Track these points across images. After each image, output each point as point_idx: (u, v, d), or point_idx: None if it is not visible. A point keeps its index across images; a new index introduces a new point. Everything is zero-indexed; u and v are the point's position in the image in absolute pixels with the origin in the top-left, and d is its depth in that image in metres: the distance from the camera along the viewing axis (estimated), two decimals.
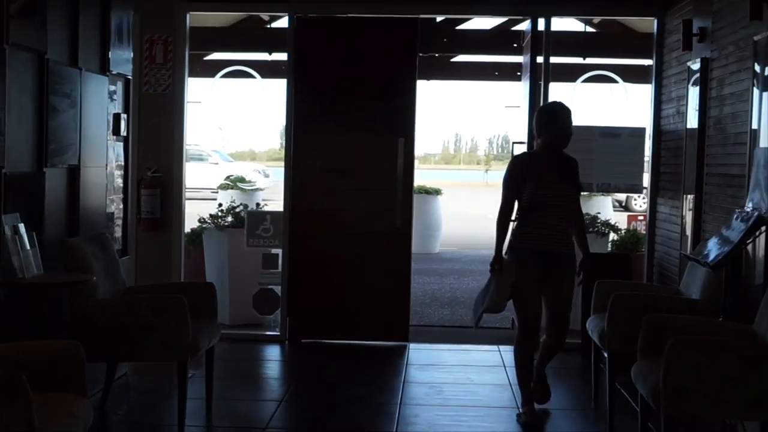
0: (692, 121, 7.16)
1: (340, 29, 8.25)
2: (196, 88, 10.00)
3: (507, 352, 7.95)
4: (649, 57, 8.39)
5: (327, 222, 8.23)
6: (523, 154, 6.19)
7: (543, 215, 5.83)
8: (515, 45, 10.43)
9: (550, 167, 5.88)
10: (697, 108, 7.00)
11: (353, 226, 8.22)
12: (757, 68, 5.86)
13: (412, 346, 8.12)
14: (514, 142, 8.99)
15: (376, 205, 8.20)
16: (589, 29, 11.36)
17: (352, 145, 8.22)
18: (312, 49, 8.24)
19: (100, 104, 6.71)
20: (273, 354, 7.98)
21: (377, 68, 8.21)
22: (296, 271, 8.26)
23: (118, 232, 7.18)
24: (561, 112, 5.92)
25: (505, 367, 7.46)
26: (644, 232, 8.62)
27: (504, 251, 5.95)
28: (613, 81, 9.71)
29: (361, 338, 8.22)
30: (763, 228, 5.46)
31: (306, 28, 8.25)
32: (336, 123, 8.24)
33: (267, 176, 26.05)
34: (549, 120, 5.90)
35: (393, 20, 8.24)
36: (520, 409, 6.01)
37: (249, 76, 9.94)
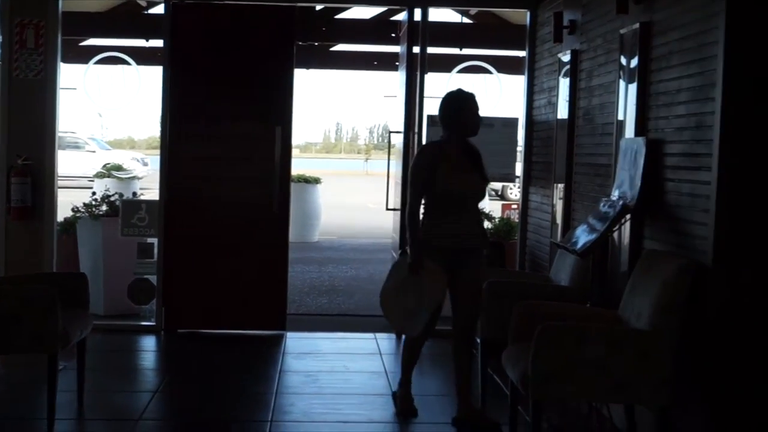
0: (563, 112, 7.30)
1: (216, 16, 8.15)
2: (71, 74, 9.76)
3: (383, 339, 8.01)
4: (523, 48, 8.53)
5: (203, 211, 8.14)
6: (432, 143, 5.81)
7: (456, 208, 5.59)
8: (393, 35, 10.48)
9: (461, 157, 5.64)
10: (567, 99, 7.15)
11: (230, 215, 8.14)
12: (623, 61, 6.01)
13: (289, 335, 8.10)
14: (390, 132, 9.04)
15: (253, 194, 8.14)
16: (466, 20, 11.50)
17: (228, 133, 8.14)
18: (188, 36, 8.13)
19: None
20: (148, 344, 7.87)
21: (254, 56, 8.14)
22: (172, 260, 8.15)
23: None
24: (470, 99, 5.67)
25: (381, 354, 7.51)
26: (518, 220, 8.77)
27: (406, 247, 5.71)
28: (488, 72, 9.84)
29: (237, 328, 8.16)
30: (628, 216, 5.61)
31: (182, 15, 8.13)
32: (213, 111, 8.15)
33: (146, 164, 25.62)
34: (459, 107, 5.64)
35: (270, 8, 8.18)
36: (396, 390, 6.02)
37: (124, 62, 9.75)
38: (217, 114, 8.15)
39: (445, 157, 5.61)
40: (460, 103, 5.66)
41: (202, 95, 8.15)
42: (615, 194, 5.76)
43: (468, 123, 5.66)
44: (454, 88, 5.77)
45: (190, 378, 6.77)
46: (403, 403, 5.91)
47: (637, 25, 5.73)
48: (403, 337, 6.12)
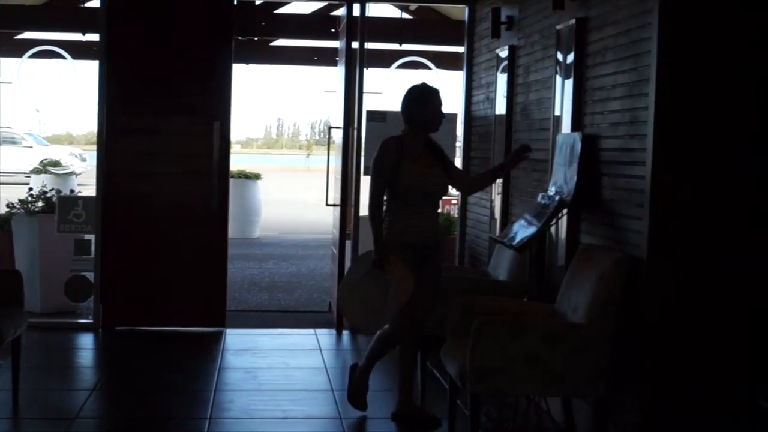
0: (501, 107, 7.34)
1: (153, 10, 8.06)
2: (7, 68, 9.62)
3: (323, 335, 7.99)
4: (462, 44, 8.56)
5: (141, 207, 8.05)
6: (393, 138, 5.60)
7: (420, 203, 5.51)
8: (333, 30, 10.46)
9: (423, 152, 5.54)
10: (505, 94, 7.19)
11: (168, 211, 8.06)
12: (560, 56, 6.05)
13: (228, 331, 8.05)
14: (330, 127, 9.03)
15: (191, 190, 8.07)
16: (405, 16, 11.51)
17: (166, 128, 8.06)
18: (125, 30, 8.03)
19: None
20: (86, 342, 7.77)
21: (192, 50, 8.06)
22: (110, 257, 8.06)
23: None
24: (436, 95, 5.57)
25: (321, 350, 7.49)
26: (457, 215, 8.80)
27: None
28: (427, 67, 9.87)
29: (177, 324, 8.09)
30: (565, 211, 5.66)
31: (119, 8, 8.03)
32: (150, 105, 8.06)
33: (84, 160, 25.32)
34: (425, 100, 5.53)
35: (208, 2, 8.11)
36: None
37: (59, 56, 9.61)
38: (154, 109, 8.06)
39: (407, 152, 5.53)
40: (425, 96, 5.56)
41: (138, 90, 8.06)
42: (552, 189, 5.81)
43: (432, 118, 5.57)
44: (418, 82, 5.65)
45: (128, 375, 6.70)
46: (356, 392, 5.82)
47: (573, 21, 5.78)
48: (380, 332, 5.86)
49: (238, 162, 16.43)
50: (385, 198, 5.56)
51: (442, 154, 5.64)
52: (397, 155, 5.51)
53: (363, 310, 5.60)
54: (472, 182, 6.16)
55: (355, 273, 5.66)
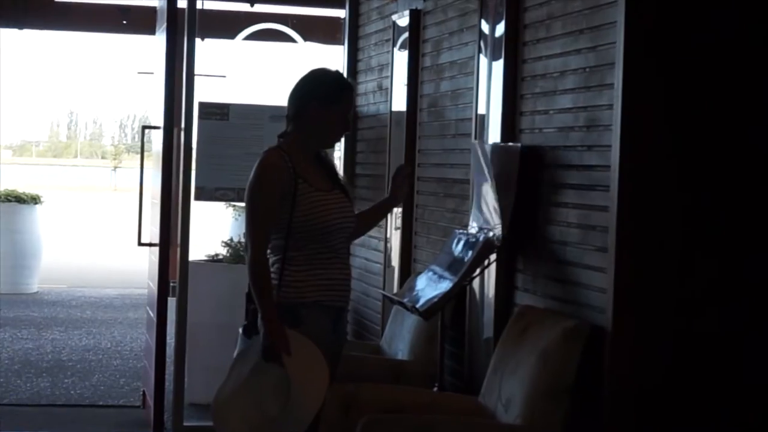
0: (399, 101, 7.37)
1: None
2: None
3: None
4: (341, 6, 8.59)
5: None
6: (276, 152, 5.36)
7: (329, 248, 5.33)
8: None
9: (318, 172, 5.36)
10: (406, 82, 7.22)
11: None
12: (485, 27, 6.10)
13: None
14: (144, 127, 8.95)
15: None
16: None
17: None
18: None
19: None
20: None
21: None
22: None
23: None
24: (351, 90, 5.42)
25: None
26: None
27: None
28: (290, 39, 9.87)
29: None
30: (493, 258, 5.69)
31: None
32: None
33: None
34: (336, 97, 5.29)
35: None
36: None
37: None
38: None
39: (302, 173, 5.37)
40: (337, 94, 5.37)
41: None
42: (474, 225, 5.84)
43: (340, 127, 5.42)
44: (322, 66, 5.53)
45: None
46: None
47: None
48: None
49: (7, 177, 16.18)
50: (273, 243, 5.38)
51: (336, 174, 5.55)
52: (291, 178, 5.35)
53: (256, 428, 5.43)
54: (360, 221, 6.03)
55: (236, 374, 5.47)
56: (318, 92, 5.31)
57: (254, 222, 5.24)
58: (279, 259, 5.26)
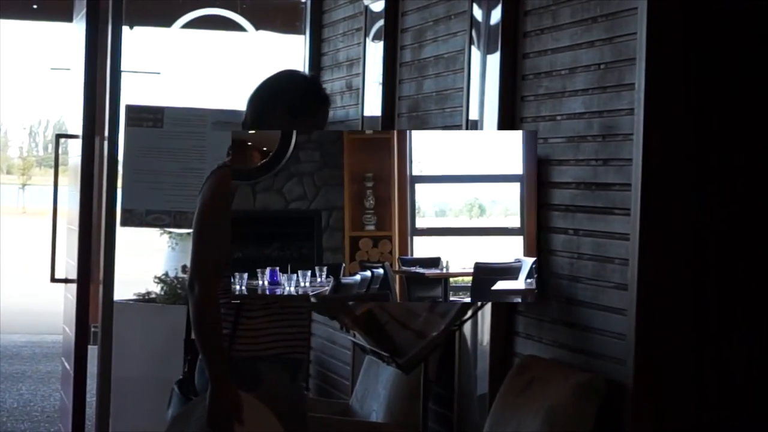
0: (373, 104, 7.41)
1: None
2: None
3: None
4: None
5: None
6: (229, 169, 5.43)
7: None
8: None
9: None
10: (381, 81, 7.25)
11: None
12: (477, 13, 6.13)
13: None
14: (59, 135, 8.96)
15: None
16: None
17: None
18: None
19: None
20: None
21: None
22: None
23: None
24: (326, 101, 5.25)
25: None
26: None
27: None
28: (238, 27, 9.90)
29: None
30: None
31: None
32: None
33: None
34: (313, 108, 5.18)
35: None
36: None
37: None
38: None
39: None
40: (311, 106, 5.28)
41: None
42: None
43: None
44: (296, 69, 5.56)
45: None
46: None
47: None
48: None
49: None
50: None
51: None
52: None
53: None
54: None
55: None
56: (287, 98, 5.22)
57: (203, 250, 5.15)
58: (231, 304, 5.17)
